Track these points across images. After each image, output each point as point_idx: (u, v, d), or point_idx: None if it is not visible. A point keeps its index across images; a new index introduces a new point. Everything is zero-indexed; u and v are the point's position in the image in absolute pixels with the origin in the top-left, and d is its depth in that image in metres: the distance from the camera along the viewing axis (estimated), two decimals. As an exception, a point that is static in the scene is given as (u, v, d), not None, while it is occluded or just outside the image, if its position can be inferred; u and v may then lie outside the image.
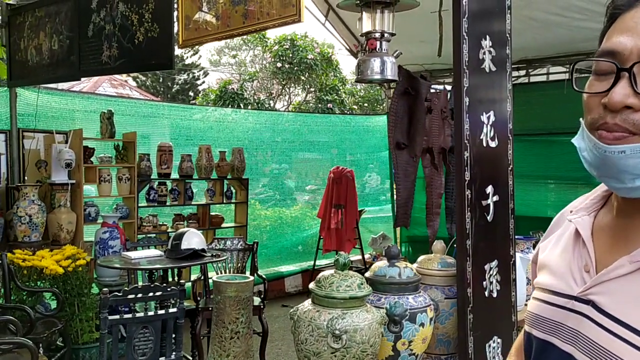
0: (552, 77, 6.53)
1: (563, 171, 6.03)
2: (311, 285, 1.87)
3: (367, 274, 2.07)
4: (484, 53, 2.16)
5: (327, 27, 6.42)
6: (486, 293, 2.16)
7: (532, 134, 6.36)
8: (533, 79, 6.65)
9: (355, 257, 7.40)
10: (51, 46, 4.08)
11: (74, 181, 4.73)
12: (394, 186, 6.53)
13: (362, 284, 1.85)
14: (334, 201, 6.80)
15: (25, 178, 4.85)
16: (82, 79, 5.80)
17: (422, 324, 1.98)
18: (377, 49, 2.64)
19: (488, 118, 2.18)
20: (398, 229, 7.66)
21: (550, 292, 0.85)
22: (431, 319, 2.03)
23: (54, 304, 4.16)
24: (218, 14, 3.31)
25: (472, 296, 2.08)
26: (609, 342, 0.71)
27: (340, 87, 14.40)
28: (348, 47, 6.76)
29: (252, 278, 2.61)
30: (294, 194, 8.39)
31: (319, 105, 13.88)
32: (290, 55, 13.43)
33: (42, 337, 3.53)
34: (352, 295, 1.79)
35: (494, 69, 2.20)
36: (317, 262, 7.12)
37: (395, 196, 6.97)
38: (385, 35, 2.66)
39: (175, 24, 3.49)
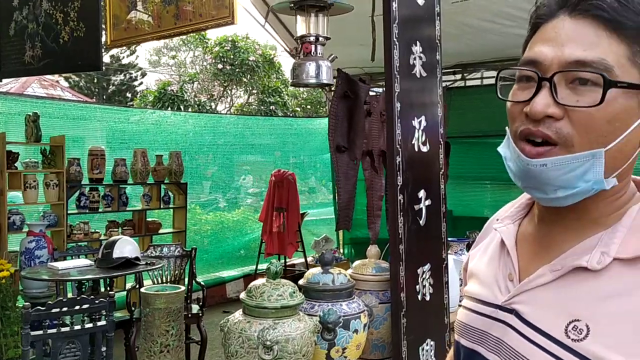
0: (486, 82, 6.73)
1: (498, 172, 6.18)
2: (242, 295, 1.82)
3: (300, 282, 2.04)
4: (415, 58, 2.17)
5: (267, 29, 6.36)
6: (419, 297, 2.17)
7: (469, 136, 6.52)
8: (469, 83, 6.82)
9: (298, 260, 7.37)
10: (-31, 45, 3.84)
11: (-4, 188, 4.48)
12: (336, 189, 6.54)
13: (294, 292, 1.81)
14: (275, 204, 6.75)
15: (-57, 185, 4.56)
16: (8, 79, 5.51)
17: (356, 331, 1.96)
18: (312, 53, 2.62)
19: (419, 123, 2.20)
20: (341, 231, 7.69)
21: (478, 300, 0.86)
22: (365, 325, 2.01)
23: (-25, 319, 3.91)
24: (151, 13, 3.20)
25: (406, 300, 2.09)
26: (530, 352, 0.72)
27: (283, 89, 14.35)
28: (289, 50, 6.73)
29: (182, 288, 2.53)
30: (236, 198, 8.29)
31: (262, 108, 13.78)
32: (232, 56, 13.27)
33: (-40, 355, 3.31)
34: (283, 304, 1.75)
35: (424, 74, 2.21)
36: (260, 267, 7.04)
37: (336, 199, 6.98)
38: (320, 39, 2.64)
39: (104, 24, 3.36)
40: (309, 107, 15.91)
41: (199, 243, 6.53)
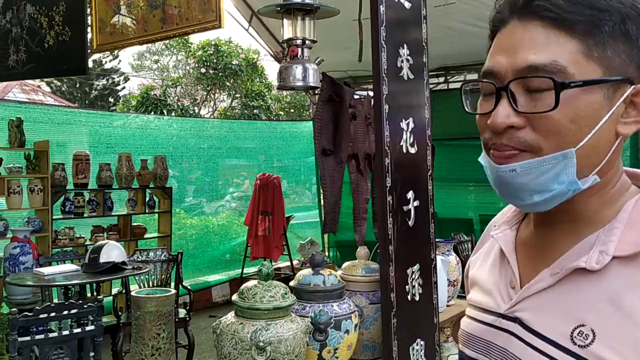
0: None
1: (481, 174, 6.23)
2: (234, 297, 1.83)
3: (291, 283, 2.05)
4: (402, 61, 2.19)
5: (250, 33, 6.37)
6: (409, 297, 2.19)
7: (452, 138, 6.58)
8: (452, 86, 6.89)
9: (284, 263, 7.37)
10: (-49, 49, 3.79)
11: (-21, 194, 4.42)
12: (321, 192, 6.57)
13: (286, 293, 1.82)
14: (260, 208, 6.75)
15: None
16: (-11, 84, 5.46)
17: (347, 331, 1.98)
18: (298, 56, 2.63)
19: (407, 125, 2.22)
20: (326, 234, 7.70)
21: (481, 309, 0.84)
22: (356, 325, 2.03)
23: (-42, 327, 3.86)
24: (136, 17, 3.20)
25: (396, 301, 2.11)
26: None
27: (266, 93, 14.36)
28: (272, 53, 6.74)
29: (173, 291, 2.53)
30: (220, 202, 8.26)
31: (245, 112, 13.76)
32: (215, 60, 13.24)
33: (-56, 363, 3.26)
34: (276, 305, 1.76)
35: (411, 76, 2.24)
36: (245, 270, 7.03)
37: (322, 202, 7.00)
38: (307, 42, 2.65)
39: (90, 28, 3.34)
40: (292, 110, 15.92)
41: (184, 247, 6.50)
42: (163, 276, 4.57)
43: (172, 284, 4.63)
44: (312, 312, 1.93)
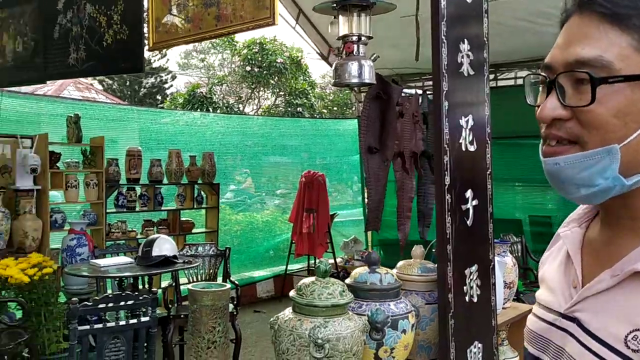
0: (519, 82, 6.66)
1: (531, 173, 6.12)
2: (292, 293, 1.83)
3: (347, 281, 2.04)
4: (462, 57, 2.14)
5: (297, 30, 6.39)
6: (467, 298, 2.15)
7: (501, 137, 6.42)
8: (500, 83, 6.75)
9: (328, 261, 7.38)
10: (15, 48, 3.94)
11: (39, 187, 4.59)
12: (365, 190, 6.55)
13: (343, 291, 1.82)
14: (305, 205, 6.78)
15: (-12, 184, 4.68)
16: (47, 82, 5.66)
17: (404, 331, 1.96)
18: (354, 53, 2.62)
19: (467, 122, 2.17)
20: (369, 232, 7.67)
21: (544, 307, 0.85)
22: (413, 325, 2.01)
23: (19, 314, 4.02)
24: (188, 16, 3.24)
25: (453, 301, 2.06)
26: None
27: (310, 91, 14.40)
28: (318, 51, 6.75)
29: (228, 286, 2.56)
30: (264, 199, 8.34)
31: (289, 109, 13.84)
32: (260, 59, 13.37)
33: (7, 348, 3.40)
34: (334, 303, 1.75)
35: (472, 72, 2.18)
36: (289, 267, 7.07)
37: (366, 200, 7.00)
38: (362, 38, 2.64)
39: (146, 26, 3.41)
40: (335, 108, 15.93)
41: (230, 243, 6.59)
42: (211, 271, 4.64)
43: (219, 279, 4.70)
44: (368, 310, 1.92)
